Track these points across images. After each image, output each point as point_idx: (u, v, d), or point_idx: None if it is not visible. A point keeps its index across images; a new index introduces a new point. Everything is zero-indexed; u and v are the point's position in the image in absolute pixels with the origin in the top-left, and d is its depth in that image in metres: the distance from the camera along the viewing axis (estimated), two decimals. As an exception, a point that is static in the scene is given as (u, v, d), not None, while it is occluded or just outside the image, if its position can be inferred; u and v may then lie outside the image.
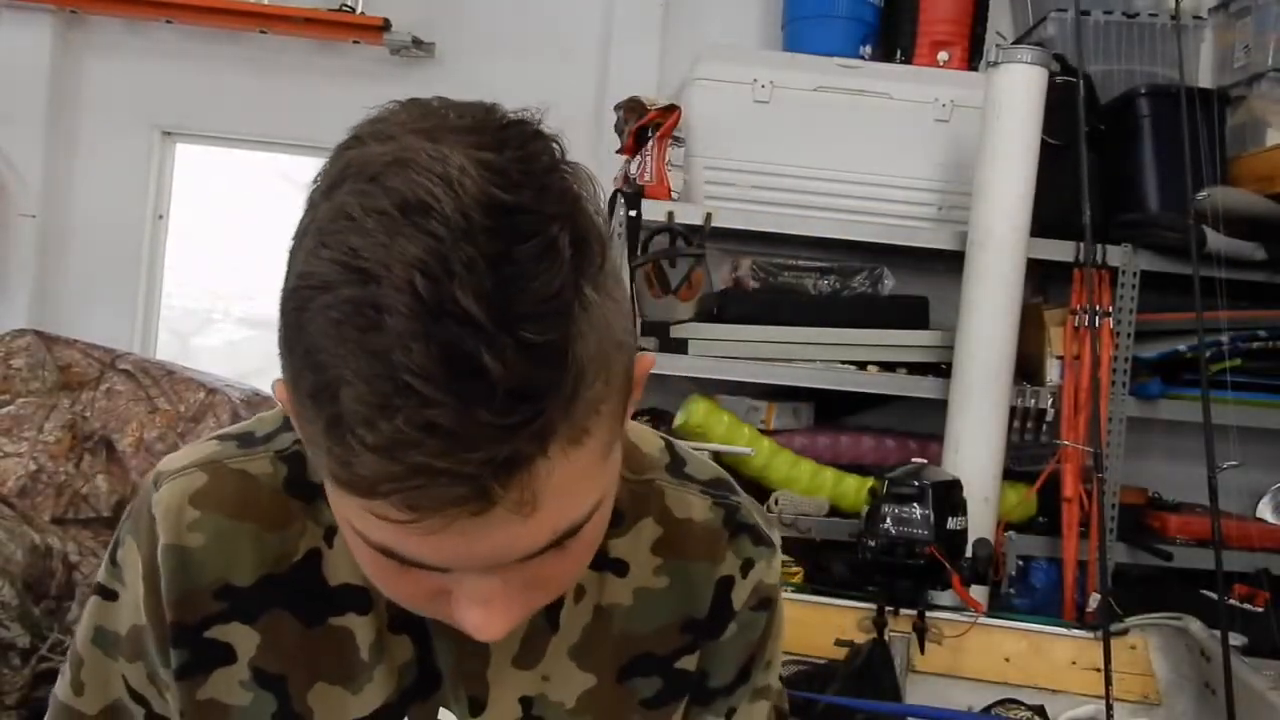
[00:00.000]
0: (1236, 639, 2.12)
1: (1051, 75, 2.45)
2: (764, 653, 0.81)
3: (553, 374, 0.49)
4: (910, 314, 2.73)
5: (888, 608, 2.12)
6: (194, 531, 0.68)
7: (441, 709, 0.72)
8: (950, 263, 2.59)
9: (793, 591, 2.22)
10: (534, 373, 0.48)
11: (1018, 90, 2.40)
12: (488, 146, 0.51)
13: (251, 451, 0.71)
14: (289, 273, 0.53)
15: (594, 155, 2.88)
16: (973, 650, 2.19)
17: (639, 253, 2.54)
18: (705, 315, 2.69)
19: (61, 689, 0.74)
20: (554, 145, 0.54)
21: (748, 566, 0.77)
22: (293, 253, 0.53)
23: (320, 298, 0.49)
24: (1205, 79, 2.94)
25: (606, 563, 0.75)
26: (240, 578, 0.69)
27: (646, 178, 2.55)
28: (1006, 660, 2.20)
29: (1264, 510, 2.96)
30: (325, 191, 0.52)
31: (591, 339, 0.51)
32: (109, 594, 0.72)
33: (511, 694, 0.72)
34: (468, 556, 0.53)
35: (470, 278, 0.47)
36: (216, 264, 3.43)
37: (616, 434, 0.57)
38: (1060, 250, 2.57)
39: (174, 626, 0.69)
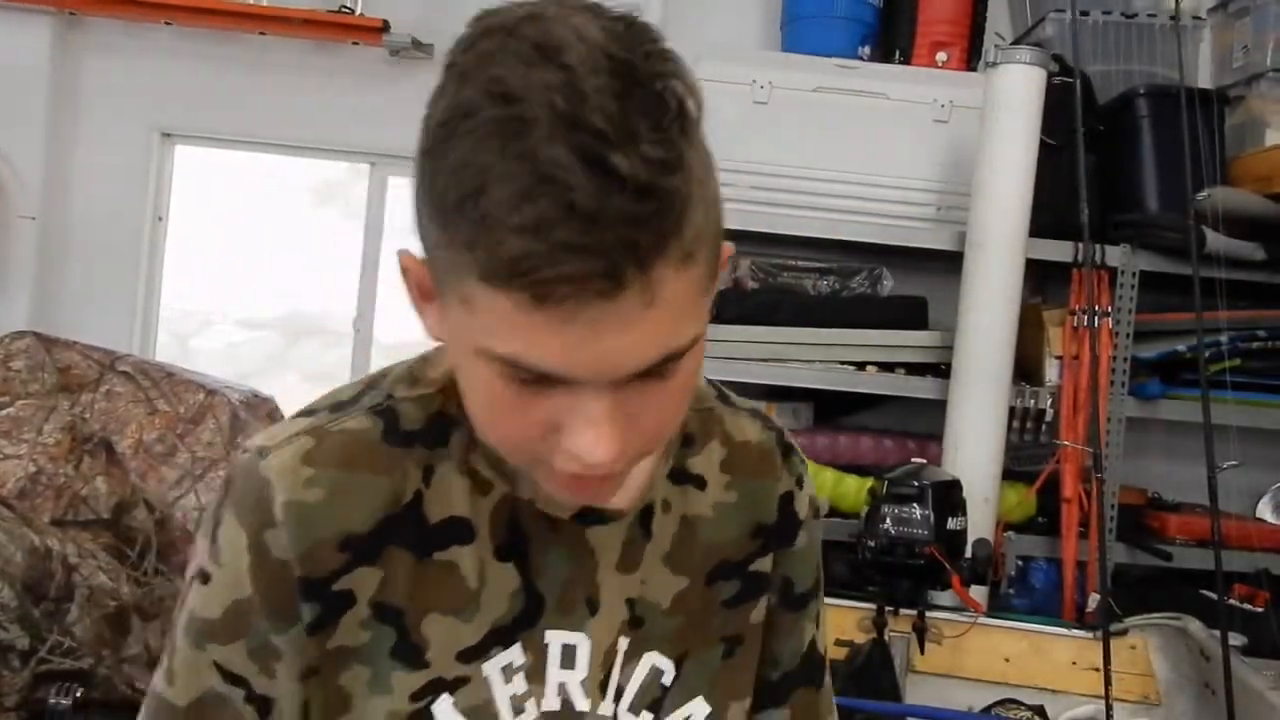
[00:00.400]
0: (1236, 639, 2.12)
1: (1050, 75, 2.45)
2: (821, 558, 0.91)
3: (672, 182, 0.56)
4: (909, 314, 2.73)
5: (887, 608, 2.12)
6: (312, 487, 0.71)
7: (548, 631, 0.76)
8: (949, 263, 2.59)
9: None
10: (657, 178, 0.55)
11: (1016, 91, 2.40)
12: (604, 18, 0.60)
13: (345, 413, 0.75)
14: (428, 125, 0.60)
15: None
16: (972, 650, 2.19)
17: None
18: (704, 316, 2.68)
19: (157, 675, 0.76)
20: (654, 29, 0.62)
21: (800, 481, 0.87)
22: (430, 109, 0.60)
23: (465, 123, 0.57)
24: (1204, 79, 2.94)
25: (688, 478, 0.82)
26: (360, 525, 0.72)
27: (646, 178, 2.55)
28: (1006, 660, 2.21)
29: (1264, 510, 2.96)
30: (464, 49, 0.60)
31: (696, 176, 0.58)
32: (204, 577, 0.73)
33: (619, 595, 0.79)
34: (590, 359, 0.58)
35: (600, 101, 0.55)
36: (216, 266, 3.43)
37: (710, 288, 0.64)
38: (1059, 250, 2.57)
39: (302, 581, 0.71)
